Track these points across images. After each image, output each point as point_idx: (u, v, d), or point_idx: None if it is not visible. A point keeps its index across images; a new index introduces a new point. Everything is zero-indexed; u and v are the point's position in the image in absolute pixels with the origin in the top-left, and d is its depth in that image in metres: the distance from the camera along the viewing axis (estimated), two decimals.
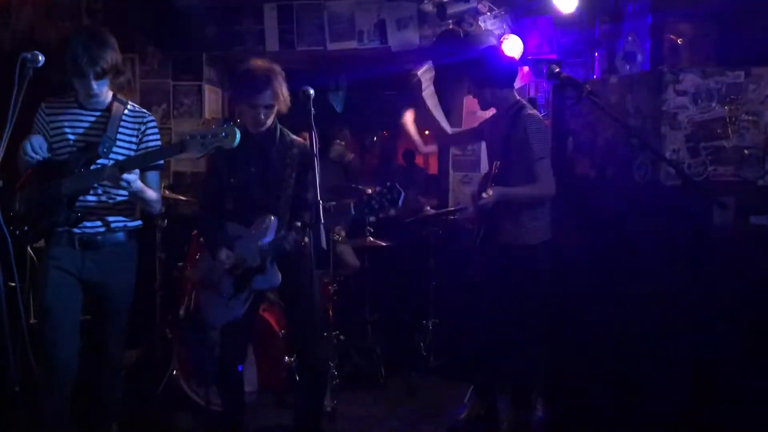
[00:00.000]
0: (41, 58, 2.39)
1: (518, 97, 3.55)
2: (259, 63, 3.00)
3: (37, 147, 2.71)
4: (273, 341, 3.76)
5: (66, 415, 2.88)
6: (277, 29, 4.96)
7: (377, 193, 2.73)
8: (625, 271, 3.69)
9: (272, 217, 2.96)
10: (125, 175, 2.68)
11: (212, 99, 5.28)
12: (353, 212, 2.78)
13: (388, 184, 2.73)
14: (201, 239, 4.04)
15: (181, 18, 4.82)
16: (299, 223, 2.91)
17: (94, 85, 2.73)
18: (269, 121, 3.00)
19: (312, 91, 2.65)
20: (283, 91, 2.97)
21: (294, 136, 3.15)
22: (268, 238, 2.93)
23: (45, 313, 2.81)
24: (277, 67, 3.00)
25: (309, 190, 3.08)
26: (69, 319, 2.84)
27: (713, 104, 3.56)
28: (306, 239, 2.90)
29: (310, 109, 2.63)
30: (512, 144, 3.37)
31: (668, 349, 3.45)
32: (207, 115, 5.17)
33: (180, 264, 4.18)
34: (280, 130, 3.11)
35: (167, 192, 4.40)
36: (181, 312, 4.13)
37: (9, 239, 2.22)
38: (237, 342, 3.20)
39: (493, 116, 3.63)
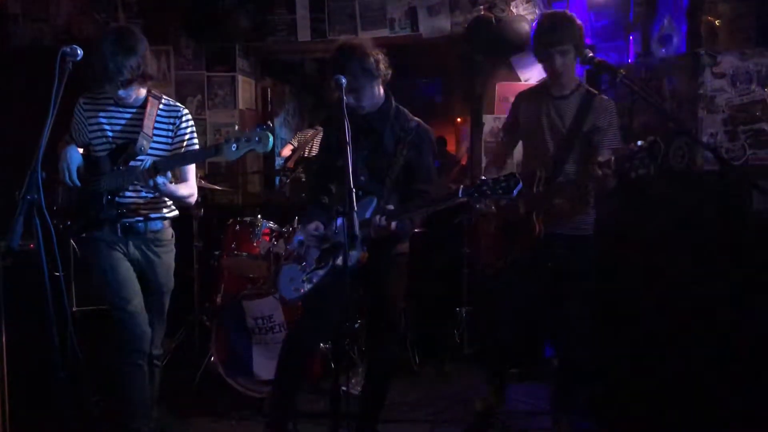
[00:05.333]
0: (80, 52, 2.43)
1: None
2: (331, 50, 2.90)
3: (73, 170, 2.84)
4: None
5: (146, 381, 3.00)
6: (308, 18, 4.98)
7: (492, 180, 2.55)
8: (661, 257, 3.65)
9: (375, 199, 2.85)
10: (158, 178, 2.76)
11: (246, 89, 5.33)
12: (461, 195, 2.60)
13: (506, 174, 2.56)
14: (237, 227, 4.13)
15: (214, 9, 4.87)
16: (391, 206, 2.77)
17: (121, 92, 2.79)
18: (363, 101, 2.85)
19: (344, 80, 2.64)
20: (366, 65, 2.79)
21: (412, 116, 3.00)
22: (362, 217, 2.77)
23: (110, 286, 2.90)
24: (362, 43, 2.86)
25: (420, 178, 2.94)
26: (135, 289, 2.94)
27: (752, 86, 3.49)
28: (393, 225, 2.74)
29: (342, 98, 2.61)
30: (584, 128, 3.09)
31: (707, 339, 3.40)
32: (241, 105, 5.23)
33: (216, 253, 4.24)
34: (396, 108, 2.99)
35: (203, 182, 4.47)
36: (218, 299, 4.20)
37: (53, 230, 2.27)
38: (314, 322, 2.99)
39: (542, 96, 3.23)
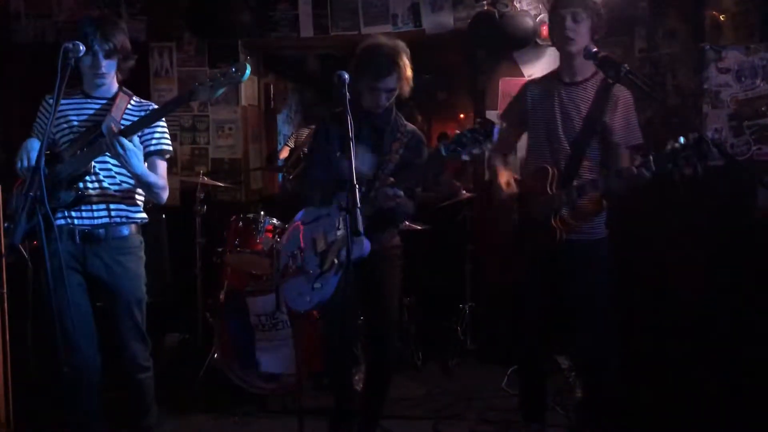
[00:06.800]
0: (82, 48, 2.43)
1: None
2: (384, 42, 2.90)
3: (33, 156, 2.65)
4: (310, 324, 3.80)
5: (98, 411, 2.85)
6: (311, 14, 4.97)
7: (468, 130, 2.51)
8: (666, 254, 3.64)
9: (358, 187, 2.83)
10: (122, 140, 2.54)
11: (248, 86, 5.32)
12: (444, 153, 2.56)
13: (479, 119, 2.55)
14: (240, 224, 4.12)
15: (217, 5, 4.86)
16: (391, 179, 2.78)
17: (104, 62, 2.70)
18: (388, 103, 2.95)
19: (347, 76, 2.63)
20: (407, 73, 2.88)
21: (407, 122, 3.06)
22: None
23: (55, 316, 2.53)
24: (402, 45, 2.89)
25: (413, 176, 2.92)
26: (80, 319, 2.74)
27: (757, 81, 3.48)
28: (400, 194, 2.73)
29: (345, 94, 2.59)
30: (602, 121, 2.83)
31: (711, 334, 3.40)
32: (243, 102, 5.21)
33: (219, 249, 4.24)
34: (396, 113, 3.04)
35: (205, 179, 4.46)
36: (221, 296, 4.20)
37: (55, 226, 2.25)
38: (341, 323, 3.04)
39: (552, 83, 3.00)
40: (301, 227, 3.08)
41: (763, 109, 3.47)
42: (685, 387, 3.36)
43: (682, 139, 2.43)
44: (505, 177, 3.02)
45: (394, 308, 3.11)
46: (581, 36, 2.86)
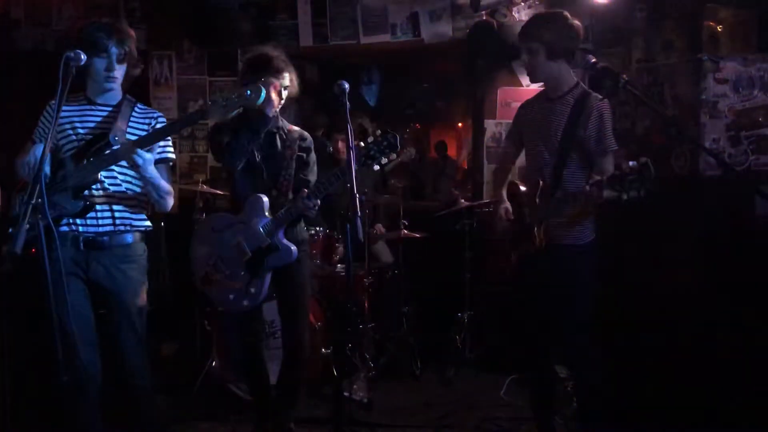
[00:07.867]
0: (83, 57, 2.42)
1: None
2: (270, 49, 3.13)
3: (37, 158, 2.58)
4: (310, 333, 3.79)
5: (97, 419, 2.82)
6: (310, 24, 4.99)
7: (373, 142, 2.71)
8: (663, 264, 3.64)
9: (263, 197, 3.02)
10: (140, 151, 2.57)
11: None
12: (356, 166, 2.62)
13: (381, 131, 2.73)
14: None
15: (217, 14, 4.88)
16: (306, 190, 2.93)
17: (117, 66, 2.71)
18: (280, 104, 3.10)
19: (347, 86, 2.64)
20: (295, 76, 3.13)
21: (291, 126, 3.24)
22: (267, 217, 2.99)
23: (56, 322, 2.44)
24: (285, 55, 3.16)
25: (310, 173, 3.21)
26: (81, 326, 2.68)
27: (755, 92, 3.50)
28: (317, 202, 2.93)
29: (345, 103, 2.61)
30: (578, 133, 2.92)
31: (709, 343, 3.40)
32: (242, 110, 5.22)
33: None
34: (279, 117, 3.21)
35: (204, 187, 4.47)
36: None
37: (56, 234, 2.25)
38: (255, 324, 3.30)
39: (539, 100, 3.14)
40: (213, 235, 3.16)
41: (760, 119, 3.49)
42: (683, 395, 3.36)
43: (631, 163, 2.50)
44: (503, 209, 3.18)
45: (304, 299, 3.23)
46: (538, 68, 3.02)
